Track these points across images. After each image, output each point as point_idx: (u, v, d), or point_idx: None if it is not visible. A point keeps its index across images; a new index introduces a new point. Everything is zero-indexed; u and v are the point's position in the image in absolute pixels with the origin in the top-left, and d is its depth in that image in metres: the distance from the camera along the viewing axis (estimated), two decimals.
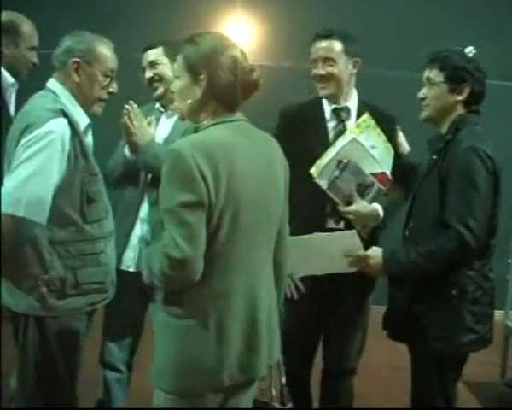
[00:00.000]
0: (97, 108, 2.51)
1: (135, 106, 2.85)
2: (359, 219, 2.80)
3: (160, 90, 2.95)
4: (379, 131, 2.79)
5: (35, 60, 3.14)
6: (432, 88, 2.56)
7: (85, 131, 2.46)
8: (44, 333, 2.37)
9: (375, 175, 2.79)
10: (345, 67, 2.84)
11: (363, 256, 2.64)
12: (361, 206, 2.79)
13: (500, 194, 2.49)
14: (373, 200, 2.81)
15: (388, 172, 2.82)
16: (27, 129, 2.27)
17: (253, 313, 2.01)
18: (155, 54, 2.95)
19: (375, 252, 2.61)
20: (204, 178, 1.84)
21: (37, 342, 2.36)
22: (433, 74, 2.55)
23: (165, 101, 2.97)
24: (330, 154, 2.75)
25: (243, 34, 5.28)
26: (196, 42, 1.98)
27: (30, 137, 2.25)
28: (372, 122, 2.78)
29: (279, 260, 2.16)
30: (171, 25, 4.66)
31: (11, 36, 3.05)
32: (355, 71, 2.89)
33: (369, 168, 2.77)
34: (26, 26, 3.11)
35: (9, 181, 2.26)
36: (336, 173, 2.74)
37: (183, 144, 1.89)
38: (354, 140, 2.74)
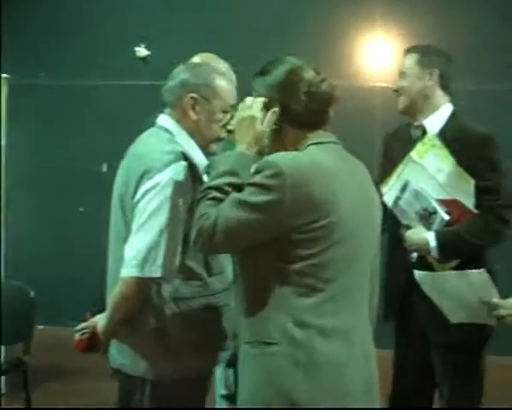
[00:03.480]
0: (215, 147, 2.27)
1: None
2: (409, 245, 2.65)
3: None
4: (446, 152, 2.57)
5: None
6: None
7: (203, 173, 2.23)
8: (162, 397, 2.15)
9: (442, 202, 2.58)
10: (417, 79, 2.70)
11: (494, 304, 2.39)
12: (413, 231, 2.63)
13: None
14: (439, 229, 2.59)
15: (465, 201, 2.57)
16: (145, 175, 2.08)
17: (347, 355, 1.83)
18: None
19: (510, 304, 2.37)
20: (295, 203, 1.77)
21: (153, 406, 2.16)
22: None
23: None
24: (395, 173, 2.66)
25: (384, 54, 5.04)
26: (266, 70, 1.94)
27: (151, 184, 2.06)
28: (438, 142, 2.59)
29: (372, 304, 2.01)
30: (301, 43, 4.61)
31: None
32: (431, 83, 2.70)
33: (435, 193, 2.59)
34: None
35: (140, 239, 2.07)
36: (398, 194, 2.63)
37: (285, 161, 1.80)
38: (411, 160, 2.61)
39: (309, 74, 1.88)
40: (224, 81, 2.26)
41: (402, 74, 2.74)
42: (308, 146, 1.86)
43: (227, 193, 1.83)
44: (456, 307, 2.52)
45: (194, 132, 2.22)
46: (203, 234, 1.80)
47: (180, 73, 2.24)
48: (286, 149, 1.88)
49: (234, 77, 2.67)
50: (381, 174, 2.75)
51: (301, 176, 1.77)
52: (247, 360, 1.85)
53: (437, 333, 2.64)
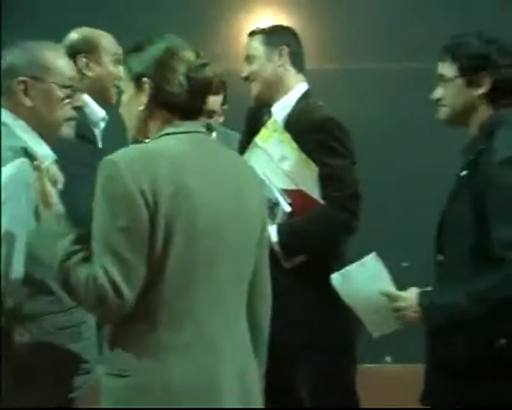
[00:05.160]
0: (67, 130, 2.00)
1: None
2: None
3: None
4: (289, 138, 2.37)
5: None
6: (446, 86, 2.09)
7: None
8: None
9: (286, 192, 2.37)
10: (267, 61, 2.50)
11: (395, 296, 2.07)
12: None
13: None
14: (282, 221, 2.38)
15: (310, 191, 2.35)
16: None
17: (212, 376, 1.60)
18: None
19: (411, 294, 2.06)
20: (145, 197, 1.54)
21: None
22: (446, 69, 2.08)
23: None
24: None
25: None
26: (140, 47, 1.74)
27: None
28: (280, 127, 2.39)
29: (257, 321, 1.78)
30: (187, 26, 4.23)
31: (91, 53, 2.63)
32: (282, 62, 2.49)
33: (280, 183, 2.37)
34: (104, 39, 2.68)
35: None
36: None
37: (121, 156, 1.60)
38: (256, 145, 2.40)
39: (189, 55, 1.70)
40: (55, 53, 2.00)
41: (249, 58, 2.53)
42: (162, 136, 1.68)
43: (86, 243, 1.58)
44: (369, 309, 2.13)
45: (34, 121, 1.94)
46: (106, 299, 1.52)
47: (6, 57, 1.96)
48: (149, 135, 1.72)
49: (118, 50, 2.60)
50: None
51: (143, 169, 1.56)
52: (104, 394, 1.64)
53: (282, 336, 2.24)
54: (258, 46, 2.51)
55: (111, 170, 1.56)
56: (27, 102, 1.93)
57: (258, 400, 1.72)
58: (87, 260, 1.55)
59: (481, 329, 1.96)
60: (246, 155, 2.40)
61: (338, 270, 2.15)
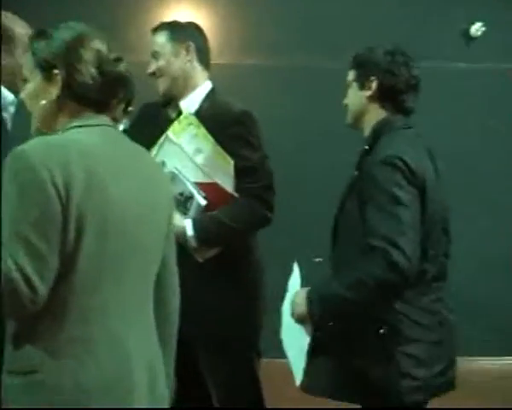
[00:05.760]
0: None
1: None
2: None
3: None
4: (204, 131, 2.35)
5: None
6: (349, 91, 2.29)
7: None
8: None
9: (200, 186, 2.35)
10: (174, 57, 2.48)
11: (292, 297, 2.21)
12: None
13: (430, 210, 2.10)
14: (197, 215, 2.36)
15: (224, 184, 2.35)
16: None
17: (122, 371, 1.57)
18: None
19: (303, 290, 2.17)
20: (56, 187, 1.48)
21: None
22: (350, 75, 2.29)
23: None
24: (151, 154, 2.37)
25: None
26: (49, 34, 1.66)
27: None
28: (195, 120, 2.37)
29: (167, 313, 1.77)
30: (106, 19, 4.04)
31: (4, 42, 2.60)
32: (189, 57, 2.49)
33: (193, 176, 2.35)
34: (19, 28, 2.66)
35: None
36: None
37: (32, 146, 1.53)
38: (168, 139, 2.37)
39: (100, 46, 1.64)
40: None
41: (156, 54, 2.49)
42: (71, 128, 1.62)
43: None
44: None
45: None
46: (17, 291, 1.43)
47: None
48: (56, 128, 1.65)
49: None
50: None
51: (54, 158, 1.50)
52: (9, 393, 1.53)
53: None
54: (164, 42, 2.49)
55: (21, 160, 1.49)
56: None
57: (164, 390, 1.71)
58: None
59: (364, 317, 2.08)
60: (156, 149, 2.39)
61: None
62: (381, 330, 2.06)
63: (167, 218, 1.75)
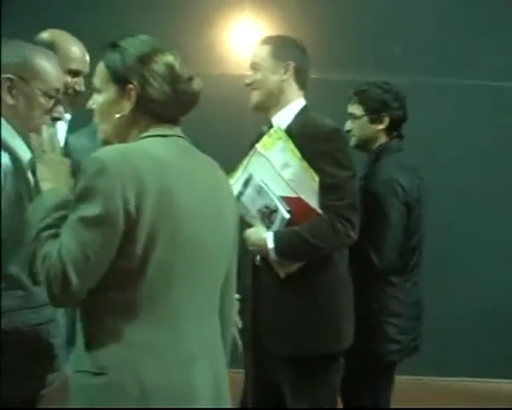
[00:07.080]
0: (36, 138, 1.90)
1: None
2: (249, 245, 2.44)
3: None
4: (292, 146, 2.38)
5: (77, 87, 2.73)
6: (355, 121, 2.80)
7: (26, 168, 1.93)
8: None
9: (285, 200, 2.38)
10: (272, 73, 2.51)
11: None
12: (253, 230, 2.45)
13: (414, 218, 2.74)
14: (280, 228, 2.40)
15: (309, 200, 2.37)
16: None
17: (187, 380, 1.61)
18: None
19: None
20: (125, 200, 1.52)
21: None
22: (355, 109, 2.81)
23: None
24: (242, 166, 2.49)
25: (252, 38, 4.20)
26: (123, 48, 1.67)
27: None
28: (284, 135, 2.41)
29: (225, 324, 1.81)
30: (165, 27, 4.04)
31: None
32: (286, 77, 2.51)
33: (279, 190, 2.39)
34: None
35: None
36: (241, 188, 2.43)
37: (107, 152, 1.57)
38: (257, 152, 2.44)
39: (172, 61, 1.67)
40: (47, 61, 1.99)
41: (255, 67, 2.53)
42: (144, 138, 1.66)
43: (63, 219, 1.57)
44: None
45: (13, 119, 1.93)
46: (55, 280, 1.51)
47: (3, 51, 1.94)
48: (128, 140, 1.68)
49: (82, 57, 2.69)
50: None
51: (128, 168, 1.53)
52: (76, 392, 1.61)
53: (272, 344, 2.45)
54: (265, 56, 2.51)
55: (97, 163, 1.53)
56: (9, 99, 1.93)
57: (226, 392, 1.75)
58: (58, 236, 1.54)
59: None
60: (245, 162, 2.48)
61: None
62: (375, 306, 2.69)
63: (234, 226, 1.79)
